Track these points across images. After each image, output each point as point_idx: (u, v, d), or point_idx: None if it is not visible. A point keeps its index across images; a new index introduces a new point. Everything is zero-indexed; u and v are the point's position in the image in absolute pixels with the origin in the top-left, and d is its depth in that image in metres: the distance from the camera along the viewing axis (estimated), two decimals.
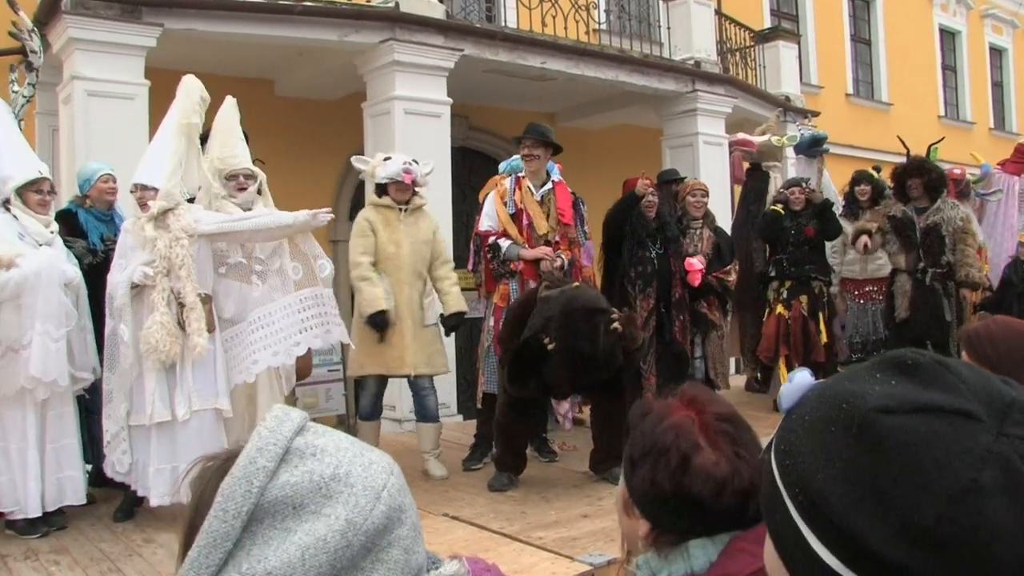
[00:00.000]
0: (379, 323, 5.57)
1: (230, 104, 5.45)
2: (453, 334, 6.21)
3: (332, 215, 5.36)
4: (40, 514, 4.70)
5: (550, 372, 4.89)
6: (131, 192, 4.94)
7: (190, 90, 5.12)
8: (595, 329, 4.84)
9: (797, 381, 0.79)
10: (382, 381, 5.94)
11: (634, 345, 5.20)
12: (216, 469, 0.88)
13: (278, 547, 0.80)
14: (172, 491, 4.81)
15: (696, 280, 6.48)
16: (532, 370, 4.93)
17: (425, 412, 5.92)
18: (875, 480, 0.65)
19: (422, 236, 5.87)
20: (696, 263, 6.49)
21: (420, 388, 5.92)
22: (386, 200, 5.80)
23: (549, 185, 6.06)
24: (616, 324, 4.94)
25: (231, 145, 5.34)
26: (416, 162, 5.90)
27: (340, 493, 0.83)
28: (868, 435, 0.66)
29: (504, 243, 5.85)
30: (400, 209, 5.79)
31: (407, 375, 5.80)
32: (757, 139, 8.73)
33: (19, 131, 5.09)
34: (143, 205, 4.88)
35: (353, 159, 6.08)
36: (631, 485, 1.45)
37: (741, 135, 8.90)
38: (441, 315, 5.94)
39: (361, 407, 6.01)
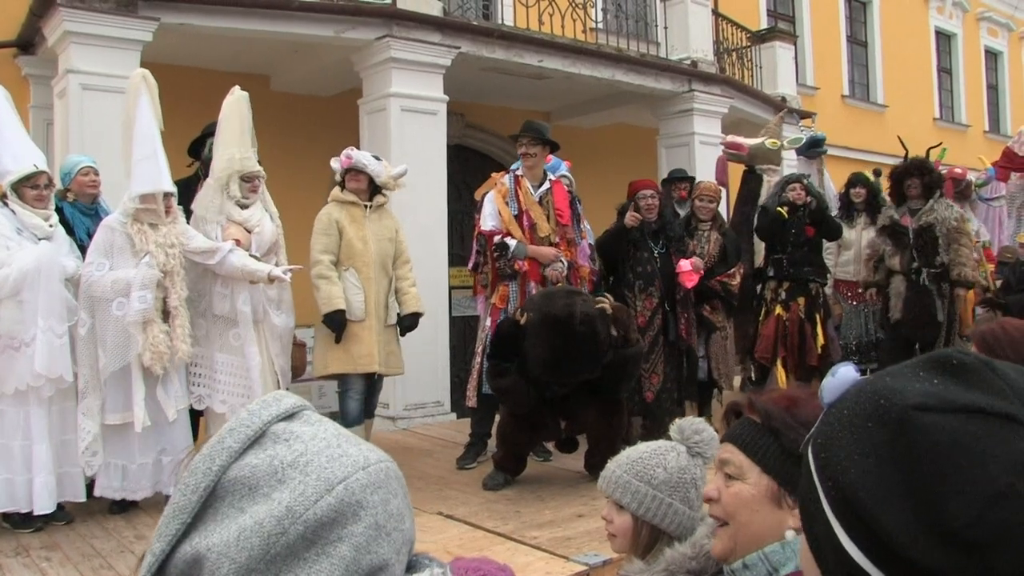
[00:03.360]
0: (336, 322, 5.59)
1: (245, 99, 5.32)
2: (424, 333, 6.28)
3: (300, 268, 5.44)
4: (52, 510, 4.70)
5: (532, 348, 4.90)
6: (161, 200, 4.90)
7: (153, 87, 5.09)
8: (571, 301, 4.91)
9: (841, 375, 0.77)
10: (367, 380, 5.85)
11: (628, 336, 5.18)
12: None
13: (228, 526, 0.81)
14: (156, 482, 4.88)
15: (688, 283, 6.34)
16: (511, 349, 4.98)
17: (369, 409, 5.97)
18: (908, 478, 0.63)
19: (386, 234, 5.92)
20: (686, 265, 6.33)
21: (376, 388, 5.99)
22: (349, 195, 5.82)
23: (547, 185, 6.03)
24: (604, 303, 5.01)
25: (247, 144, 5.28)
26: (378, 158, 6.02)
27: (292, 479, 0.82)
28: (904, 432, 0.65)
29: (511, 242, 5.81)
30: (365, 206, 5.82)
31: (374, 372, 5.77)
32: (748, 142, 8.69)
33: (19, 123, 5.02)
34: (168, 211, 4.93)
35: (333, 160, 6.02)
36: (793, 474, 1.40)
37: (730, 137, 8.87)
38: (398, 315, 5.95)
39: (348, 411, 5.74)
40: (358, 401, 5.79)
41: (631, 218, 6.20)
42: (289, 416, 0.88)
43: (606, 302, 5.11)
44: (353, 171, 5.83)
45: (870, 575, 0.65)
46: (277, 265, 5.40)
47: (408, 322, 5.97)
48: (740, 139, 8.60)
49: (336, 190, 5.91)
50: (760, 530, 1.50)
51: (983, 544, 0.60)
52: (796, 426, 1.44)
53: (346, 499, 0.82)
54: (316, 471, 0.83)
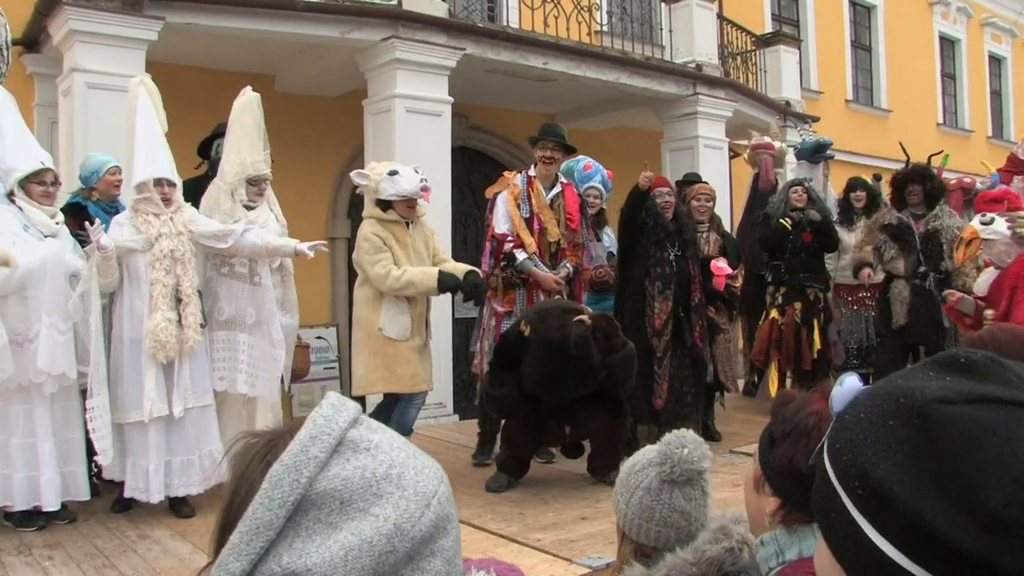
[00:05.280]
0: (451, 283, 5.35)
1: (256, 101, 5.27)
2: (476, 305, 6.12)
3: (326, 248, 5.35)
4: (57, 507, 4.70)
5: (528, 366, 4.93)
6: (152, 187, 4.86)
7: (153, 90, 5.08)
8: (566, 323, 4.91)
9: (847, 385, 0.80)
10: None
11: (611, 343, 5.15)
12: (261, 450, 0.86)
13: (321, 543, 0.78)
14: (168, 484, 4.84)
15: (721, 284, 6.39)
16: (511, 362, 5.00)
17: (407, 424, 5.67)
18: (939, 467, 0.65)
19: (425, 250, 5.67)
20: (725, 267, 6.41)
21: (419, 403, 5.76)
22: (392, 215, 5.46)
23: (558, 188, 6.01)
24: (583, 317, 4.98)
25: (259, 148, 5.25)
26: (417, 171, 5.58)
27: (391, 495, 0.80)
28: (929, 425, 0.67)
29: (520, 255, 5.75)
30: (406, 223, 5.52)
31: (424, 391, 5.64)
32: (777, 143, 8.75)
33: (24, 125, 5.04)
34: (167, 200, 4.89)
35: (353, 174, 5.65)
36: (767, 462, 1.55)
37: (766, 138, 8.85)
38: (465, 275, 5.56)
39: (409, 420, 5.58)
40: (419, 409, 5.70)
41: (646, 178, 5.97)
42: (355, 422, 0.86)
43: (584, 316, 5.05)
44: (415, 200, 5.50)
45: (907, 570, 0.66)
46: (281, 266, 5.39)
47: (473, 277, 5.58)
48: (770, 140, 8.66)
49: (377, 209, 5.50)
50: (751, 510, 1.64)
51: (1018, 523, 0.62)
52: (779, 421, 1.57)
53: (440, 514, 0.83)
54: (412, 485, 0.82)
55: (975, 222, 5.80)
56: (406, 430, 5.53)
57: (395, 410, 5.59)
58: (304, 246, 5.07)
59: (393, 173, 5.42)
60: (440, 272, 5.38)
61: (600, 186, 6.72)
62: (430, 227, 5.83)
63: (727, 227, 8.36)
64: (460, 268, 5.62)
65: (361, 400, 5.68)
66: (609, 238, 6.94)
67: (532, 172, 6.01)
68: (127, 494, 4.86)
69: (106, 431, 4.72)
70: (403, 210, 5.46)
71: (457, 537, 0.86)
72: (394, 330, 5.44)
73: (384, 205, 5.46)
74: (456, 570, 0.84)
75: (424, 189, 5.48)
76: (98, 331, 4.75)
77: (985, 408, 0.67)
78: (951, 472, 0.65)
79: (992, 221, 5.58)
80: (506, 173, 6.16)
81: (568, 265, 5.90)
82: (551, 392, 5.04)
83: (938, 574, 0.64)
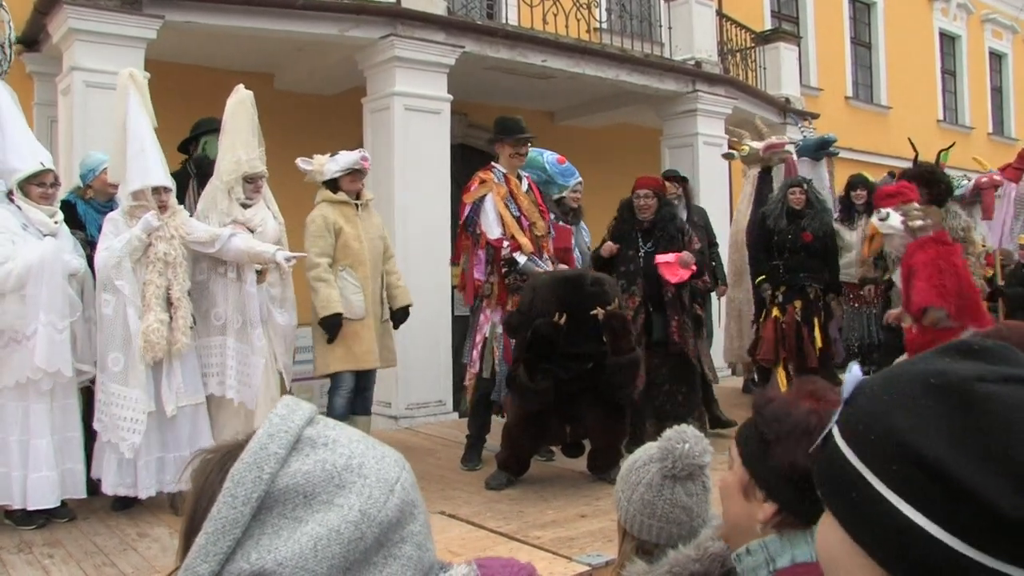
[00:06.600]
0: (332, 325, 5.62)
1: (249, 99, 5.28)
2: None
3: (305, 255, 5.55)
4: (55, 505, 4.71)
5: (539, 308, 5.02)
6: (151, 196, 4.86)
7: (141, 85, 5.06)
8: (583, 270, 5.13)
9: (854, 373, 0.82)
10: (356, 377, 5.83)
11: (619, 345, 5.15)
12: (219, 458, 0.86)
13: (289, 537, 0.78)
14: (161, 480, 4.85)
15: (671, 278, 6.02)
16: (548, 351, 5.01)
17: (365, 405, 6.00)
18: (986, 441, 0.68)
19: (377, 232, 5.98)
20: (667, 256, 6.05)
21: (371, 383, 6.03)
22: (342, 196, 5.81)
23: (526, 182, 6.01)
24: (597, 311, 5.04)
25: (255, 146, 5.27)
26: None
27: (353, 484, 0.81)
28: (972, 402, 0.71)
29: (521, 258, 5.71)
30: (356, 205, 5.84)
31: (375, 368, 5.89)
32: (758, 144, 8.74)
33: (25, 122, 5.04)
34: (163, 207, 4.90)
35: (298, 160, 5.90)
36: (761, 467, 1.47)
37: (775, 138, 8.87)
38: (391, 309, 6.05)
39: (336, 407, 5.72)
40: (346, 399, 5.80)
41: (606, 249, 6.25)
42: (311, 420, 0.87)
43: (600, 311, 5.08)
44: (357, 172, 5.85)
45: (948, 546, 0.68)
46: (278, 266, 5.40)
47: (401, 316, 6.09)
48: (776, 139, 8.68)
49: (327, 191, 5.83)
50: (735, 519, 1.55)
51: None
52: (770, 421, 1.49)
53: (405, 498, 0.84)
54: (373, 473, 0.83)
55: (874, 218, 5.83)
56: (337, 418, 5.52)
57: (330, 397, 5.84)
58: (282, 256, 5.10)
59: (334, 155, 5.90)
60: (334, 314, 5.58)
61: (580, 181, 6.77)
62: (380, 215, 6.22)
63: (724, 224, 8.35)
64: (402, 299, 6.06)
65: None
66: (586, 232, 7.01)
67: (504, 169, 5.92)
68: (108, 491, 4.87)
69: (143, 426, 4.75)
70: (349, 184, 5.83)
71: (425, 523, 0.86)
72: (349, 310, 5.68)
73: (333, 187, 5.79)
74: (427, 555, 0.85)
75: (364, 158, 5.90)
76: (127, 327, 4.77)
77: (1015, 386, 0.71)
78: (999, 444, 0.68)
79: (887, 216, 5.61)
80: (480, 174, 5.97)
81: (548, 258, 5.90)
82: (564, 335, 4.99)
83: (979, 547, 0.67)
